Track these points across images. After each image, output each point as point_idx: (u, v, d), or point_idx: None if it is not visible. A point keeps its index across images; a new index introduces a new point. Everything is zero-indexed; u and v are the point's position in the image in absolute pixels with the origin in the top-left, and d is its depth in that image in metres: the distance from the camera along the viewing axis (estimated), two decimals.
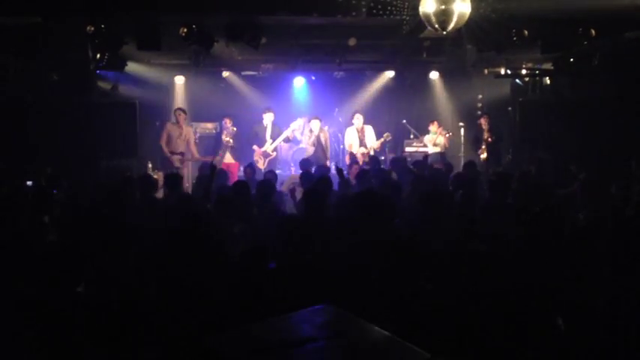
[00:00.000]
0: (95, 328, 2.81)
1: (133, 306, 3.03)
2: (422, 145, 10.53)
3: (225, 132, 9.43)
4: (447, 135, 9.94)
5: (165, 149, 8.87)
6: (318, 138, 9.56)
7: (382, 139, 9.73)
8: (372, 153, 9.54)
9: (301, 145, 10.07)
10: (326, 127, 10.15)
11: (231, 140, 9.36)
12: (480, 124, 9.82)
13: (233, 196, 5.22)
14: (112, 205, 4.86)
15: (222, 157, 9.28)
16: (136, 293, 3.24)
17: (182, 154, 8.98)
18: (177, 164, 8.86)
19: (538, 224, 3.89)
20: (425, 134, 10.54)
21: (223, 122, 9.60)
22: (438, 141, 9.95)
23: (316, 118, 9.77)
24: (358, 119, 9.70)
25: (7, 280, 3.26)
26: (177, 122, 9.04)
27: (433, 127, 10.04)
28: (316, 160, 8.83)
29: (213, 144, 9.87)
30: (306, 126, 10.61)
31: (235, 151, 9.51)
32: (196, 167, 9.17)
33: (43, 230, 4.59)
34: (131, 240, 3.78)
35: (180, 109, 9.31)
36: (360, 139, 9.65)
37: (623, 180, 6.04)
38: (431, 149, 9.98)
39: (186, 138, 9.04)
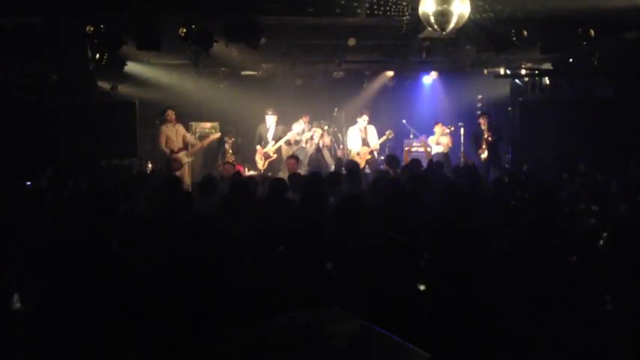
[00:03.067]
0: (94, 327, 2.81)
1: (131, 306, 3.03)
2: (421, 144, 10.52)
3: (227, 149, 9.60)
4: (449, 131, 9.96)
5: (167, 150, 8.88)
6: (317, 146, 9.82)
7: (384, 137, 9.77)
8: (375, 153, 9.59)
9: (302, 145, 10.09)
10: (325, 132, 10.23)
11: (233, 157, 9.53)
12: (480, 124, 9.82)
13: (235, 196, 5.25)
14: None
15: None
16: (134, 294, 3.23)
17: (185, 148, 9.01)
18: (185, 160, 8.92)
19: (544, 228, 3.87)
20: (424, 134, 10.53)
21: (225, 139, 9.72)
22: (440, 140, 9.97)
23: (319, 126, 9.83)
24: (364, 120, 9.70)
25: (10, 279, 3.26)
26: (171, 121, 9.01)
27: (437, 128, 10.06)
28: (314, 164, 8.96)
29: (215, 146, 9.93)
30: (306, 128, 10.62)
31: (237, 156, 9.69)
32: (196, 166, 9.21)
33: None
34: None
35: (170, 107, 9.17)
36: (362, 139, 9.66)
37: (623, 179, 6.04)
38: (434, 149, 10.00)
39: (180, 134, 9.07)
